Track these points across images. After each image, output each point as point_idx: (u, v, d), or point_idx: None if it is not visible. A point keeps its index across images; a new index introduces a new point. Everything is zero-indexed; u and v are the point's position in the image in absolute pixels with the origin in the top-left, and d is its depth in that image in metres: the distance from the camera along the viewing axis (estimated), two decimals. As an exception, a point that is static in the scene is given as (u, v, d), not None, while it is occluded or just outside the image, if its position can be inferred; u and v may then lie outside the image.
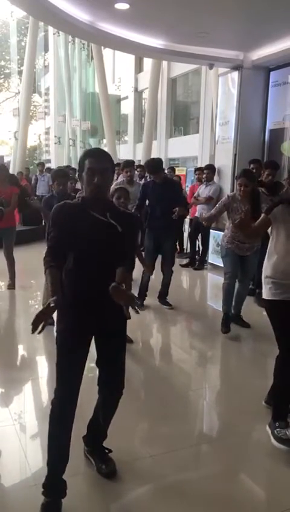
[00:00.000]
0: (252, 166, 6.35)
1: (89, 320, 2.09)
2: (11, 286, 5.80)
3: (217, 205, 4.48)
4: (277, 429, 2.54)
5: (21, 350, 4.26)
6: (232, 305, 4.49)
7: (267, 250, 2.66)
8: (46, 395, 3.33)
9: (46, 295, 4.54)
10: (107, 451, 2.36)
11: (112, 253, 2.07)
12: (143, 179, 8.01)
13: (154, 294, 5.26)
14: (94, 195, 2.05)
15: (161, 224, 4.94)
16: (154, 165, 4.96)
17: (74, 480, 2.18)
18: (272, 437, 2.57)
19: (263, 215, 2.63)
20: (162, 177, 5.02)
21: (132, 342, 4.04)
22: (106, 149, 18.14)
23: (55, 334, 2.12)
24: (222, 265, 4.72)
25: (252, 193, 4.14)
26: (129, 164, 5.84)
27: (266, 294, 2.62)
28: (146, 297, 5.20)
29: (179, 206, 4.81)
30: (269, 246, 2.66)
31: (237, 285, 4.50)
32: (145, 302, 5.18)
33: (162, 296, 5.23)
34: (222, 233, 4.67)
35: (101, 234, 2.05)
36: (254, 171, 6.26)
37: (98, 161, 2.06)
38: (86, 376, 2.12)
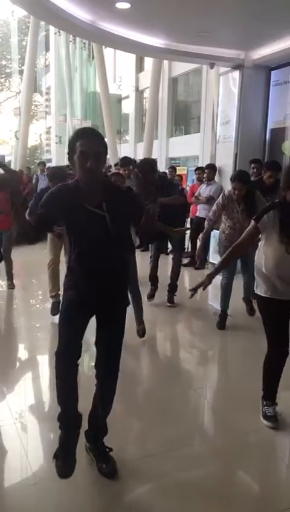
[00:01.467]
0: (253, 165, 6.36)
1: (89, 309, 2.17)
2: (11, 286, 5.81)
3: (213, 208, 4.48)
4: (265, 407, 2.81)
5: (22, 349, 4.27)
6: (229, 303, 4.55)
7: (257, 250, 2.76)
8: (47, 394, 3.34)
9: (52, 280, 4.63)
10: (108, 449, 2.36)
11: (112, 247, 2.08)
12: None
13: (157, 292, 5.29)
14: (87, 179, 2.00)
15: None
16: (146, 166, 4.95)
17: (74, 479, 2.19)
18: (260, 414, 2.81)
19: (252, 222, 2.67)
20: (155, 178, 4.96)
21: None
22: (106, 148, 18.00)
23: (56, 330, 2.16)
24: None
25: (246, 194, 4.17)
26: (127, 163, 5.74)
27: (256, 288, 2.78)
28: (158, 283, 5.21)
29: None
30: (259, 246, 2.75)
31: (241, 277, 4.59)
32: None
33: (171, 290, 5.24)
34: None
35: (98, 231, 2.04)
36: (255, 170, 6.28)
37: (91, 144, 1.97)
38: (86, 376, 2.13)
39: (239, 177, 4.20)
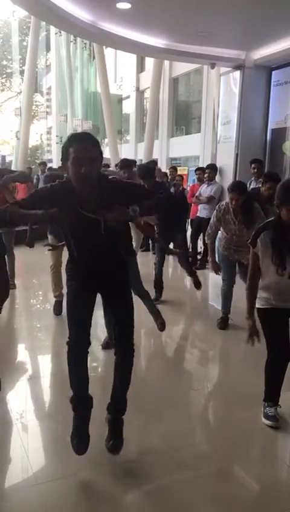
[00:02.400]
0: (253, 166, 6.36)
1: (91, 292, 2.26)
2: (12, 286, 5.79)
3: (211, 222, 4.47)
4: (266, 408, 2.85)
5: (22, 349, 4.27)
6: (230, 308, 4.56)
7: None
8: (47, 394, 3.34)
9: (55, 281, 4.71)
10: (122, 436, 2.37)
11: (109, 252, 2.08)
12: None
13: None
14: (82, 186, 1.96)
15: (161, 232, 4.98)
16: (144, 170, 4.96)
17: (74, 479, 2.19)
18: (262, 414, 2.84)
19: (251, 249, 2.71)
20: (152, 184, 4.95)
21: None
22: (107, 149, 17.97)
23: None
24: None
25: (244, 204, 4.18)
26: (127, 165, 5.73)
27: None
28: (162, 290, 5.34)
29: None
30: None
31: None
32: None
33: (192, 275, 5.51)
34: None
35: (94, 236, 2.04)
36: (255, 170, 6.29)
37: (85, 149, 1.91)
38: (92, 376, 2.15)
39: (236, 186, 4.21)
